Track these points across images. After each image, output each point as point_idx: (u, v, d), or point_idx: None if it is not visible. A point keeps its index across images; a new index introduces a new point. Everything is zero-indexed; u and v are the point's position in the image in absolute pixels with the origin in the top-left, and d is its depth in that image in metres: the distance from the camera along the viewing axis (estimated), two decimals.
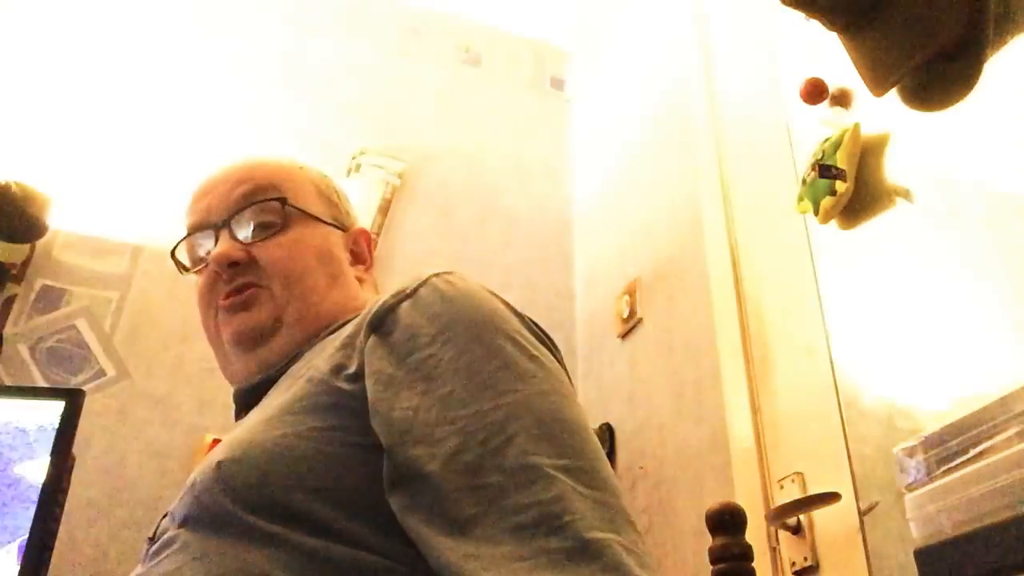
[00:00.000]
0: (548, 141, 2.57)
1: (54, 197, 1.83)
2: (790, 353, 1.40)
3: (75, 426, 1.20)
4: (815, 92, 1.34)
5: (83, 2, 2.16)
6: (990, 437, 0.93)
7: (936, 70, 1.13)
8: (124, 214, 1.97)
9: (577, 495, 0.51)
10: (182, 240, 0.89)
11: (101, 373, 1.81)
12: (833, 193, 1.25)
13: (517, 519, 0.50)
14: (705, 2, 1.96)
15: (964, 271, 1.10)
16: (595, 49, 2.60)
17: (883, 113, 1.23)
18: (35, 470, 1.09)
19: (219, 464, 0.59)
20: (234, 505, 0.57)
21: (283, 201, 0.83)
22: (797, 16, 1.28)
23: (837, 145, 1.26)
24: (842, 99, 1.33)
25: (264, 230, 0.82)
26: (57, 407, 1.15)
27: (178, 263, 0.90)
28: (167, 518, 0.65)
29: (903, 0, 1.11)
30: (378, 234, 2.17)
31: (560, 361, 0.66)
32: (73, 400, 1.17)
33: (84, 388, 1.73)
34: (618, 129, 2.30)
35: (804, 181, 1.32)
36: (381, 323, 0.62)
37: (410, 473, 0.54)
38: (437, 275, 0.66)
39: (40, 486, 1.07)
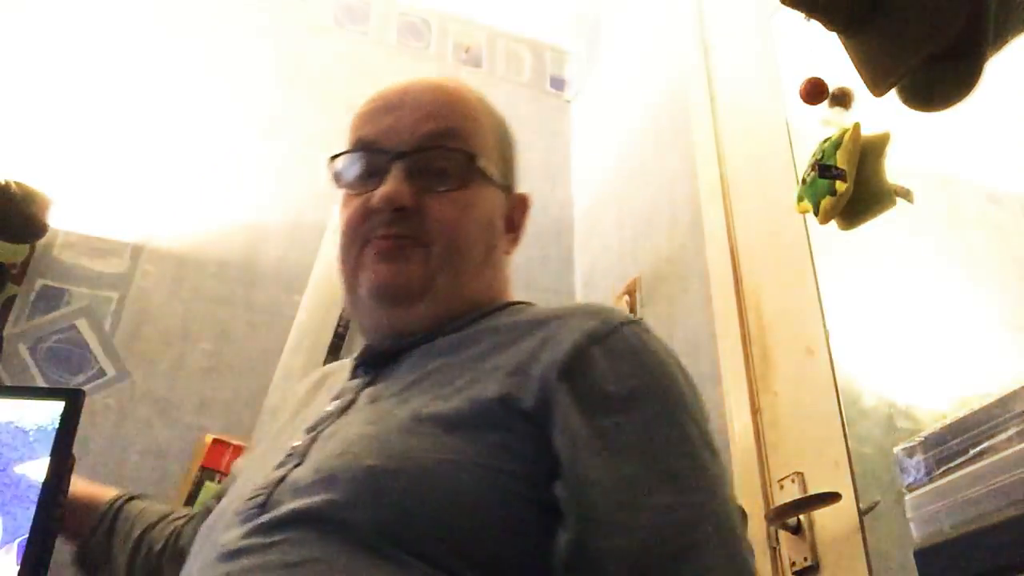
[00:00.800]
0: (548, 141, 2.57)
1: (54, 197, 1.83)
2: (790, 353, 1.40)
3: (75, 426, 1.19)
4: (815, 92, 1.34)
5: (83, 2, 2.16)
6: (990, 437, 0.93)
7: (936, 70, 1.12)
8: (124, 214, 1.98)
9: None
10: (349, 151, 0.77)
11: (101, 373, 1.81)
12: (833, 193, 1.25)
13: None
14: (705, 2, 1.96)
15: (964, 271, 1.10)
16: (595, 49, 2.60)
17: (883, 113, 1.23)
18: (35, 470, 1.09)
19: (372, 469, 0.55)
20: (374, 523, 0.53)
21: (472, 157, 0.75)
22: (797, 16, 1.28)
23: (837, 145, 1.26)
24: (842, 99, 1.33)
25: (441, 180, 0.73)
26: (57, 407, 1.14)
27: (333, 173, 0.79)
28: (284, 485, 0.59)
29: (903, 0, 1.11)
30: None
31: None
32: (73, 400, 1.17)
33: (84, 388, 1.73)
34: (618, 129, 2.30)
35: (804, 181, 1.32)
36: (571, 369, 0.59)
37: (589, 562, 0.52)
38: (627, 324, 0.63)
39: (40, 486, 1.07)
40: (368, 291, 0.72)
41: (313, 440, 0.64)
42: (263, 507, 0.58)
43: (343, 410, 0.67)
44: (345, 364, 0.80)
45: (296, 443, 0.65)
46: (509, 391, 0.59)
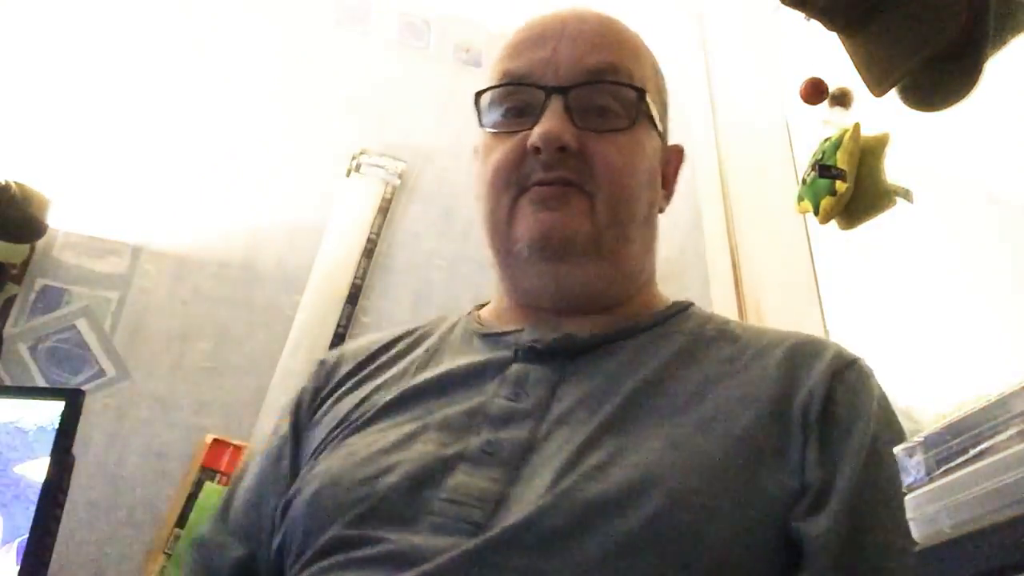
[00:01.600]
0: None
1: (54, 197, 1.83)
2: None
3: (75, 426, 1.20)
4: (815, 92, 1.34)
5: (83, 3, 2.16)
6: (990, 437, 0.92)
7: (936, 70, 1.12)
8: (124, 214, 1.98)
9: None
10: (499, 86, 0.71)
11: (101, 373, 1.81)
12: (833, 193, 1.25)
13: None
14: (705, 2, 1.96)
15: (964, 271, 1.10)
16: None
17: (883, 113, 1.23)
18: (35, 470, 1.09)
19: (670, 492, 0.51)
20: (657, 545, 0.49)
21: (642, 94, 0.67)
22: (797, 16, 1.28)
23: (837, 145, 1.26)
24: (842, 99, 1.33)
25: (605, 119, 0.66)
26: (57, 407, 1.15)
27: (477, 109, 0.72)
28: (515, 495, 0.53)
29: (903, 0, 1.10)
30: (378, 234, 2.17)
31: None
32: (73, 400, 1.17)
33: (84, 388, 1.73)
34: None
35: (804, 181, 1.32)
36: (826, 409, 0.59)
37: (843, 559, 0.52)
38: (859, 360, 0.64)
39: (40, 486, 1.07)
40: (529, 244, 0.64)
41: (527, 448, 0.57)
42: (479, 527, 0.52)
43: (545, 407, 0.59)
44: (435, 327, 0.72)
45: (483, 443, 0.58)
46: (775, 437, 0.57)
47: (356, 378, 0.71)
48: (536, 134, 0.64)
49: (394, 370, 0.69)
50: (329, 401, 0.70)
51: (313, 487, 0.60)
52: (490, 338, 0.68)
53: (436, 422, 0.60)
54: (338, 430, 0.65)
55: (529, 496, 0.53)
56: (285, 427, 0.72)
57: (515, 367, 0.63)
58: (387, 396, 0.66)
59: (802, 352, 0.62)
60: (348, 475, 0.58)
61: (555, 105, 0.65)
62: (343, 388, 0.70)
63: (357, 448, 0.61)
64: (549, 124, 0.63)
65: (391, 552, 0.52)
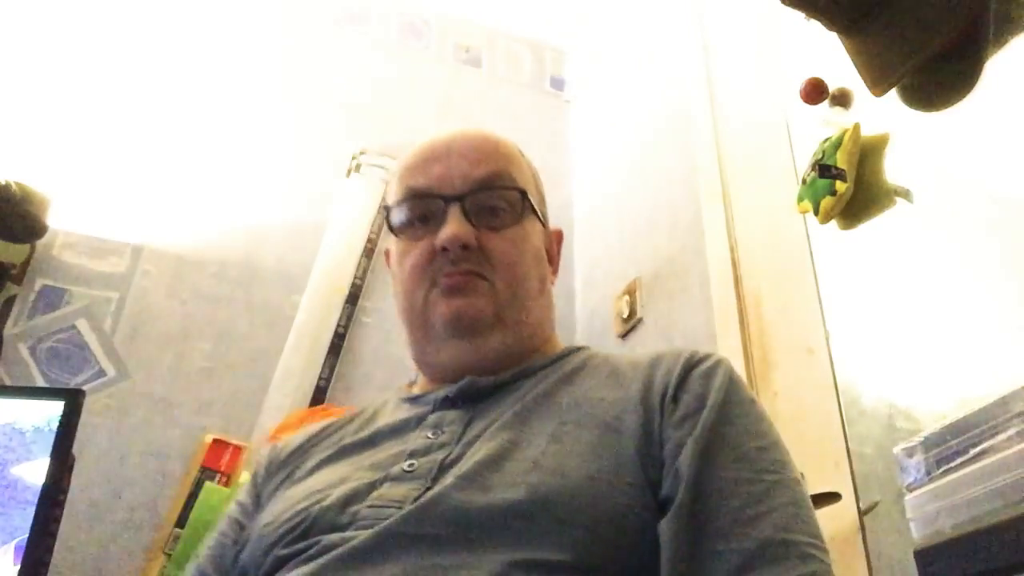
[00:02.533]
0: (548, 141, 2.57)
1: (54, 197, 1.83)
2: (790, 353, 1.40)
3: (75, 426, 1.20)
4: (815, 92, 1.34)
5: (83, 2, 2.16)
6: (990, 437, 0.93)
7: (936, 70, 1.12)
8: (124, 214, 1.98)
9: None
10: (405, 200, 0.82)
11: (101, 373, 1.81)
12: (833, 193, 1.25)
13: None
14: (705, 2, 1.96)
15: (964, 271, 1.10)
16: (595, 49, 2.60)
17: (883, 113, 1.23)
18: (33, 471, 1.09)
19: (551, 470, 0.62)
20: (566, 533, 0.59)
21: (524, 194, 0.81)
22: (797, 16, 1.28)
23: (837, 145, 1.26)
24: (842, 99, 1.33)
25: (496, 218, 0.79)
26: (57, 407, 1.15)
27: (388, 222, 0.84)
28: (427, 500, 0.63)
29: (903, 0, 1.10)
30: (378, 234, 2.17)
31: None
32: (73, 400, 1.17)
33: (84, 388, 1.73)
34: (618, 129, 2.30)
35: (804, 181, 1.32)
36: (677, 392, 0.68)
37: (673, 519, 0.60)
38: (712, 356, 0.73)
39: (39, 487, 1.07)
40: (443, 325, 0.76)
41: (443, 464, 0.67)
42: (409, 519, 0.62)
43: (459, 437, 0.71)
44: (373, 406, 0.85)
45: (404, 466, 0.69)
46: (641, 421, 0.66)
47: (301, 451, 0.82)
48: (442, 237, 0.76)
49: (333, 438, 0.81)
50: (279, 472, 0.81)
51: (258, 527, 0.71)
52: (413, 400, 0.80)
53: (365, 465, 0.72)
54: (283, 484, 0.77)
55: (437, 491, 0.64)
56: (243, 495, 0.83)
57: (433, 416, 0.75)
58: (324, 454, 0.78)
59: (664, 356, 0.73)
60: (287, 510, 0.69)
61: (455, 211, 0.77)
62: (290, 459, 0.82)
63: (295, 493, 0.72)
64: (452, 228, 0.76)
65: (324, 546, 0.62)
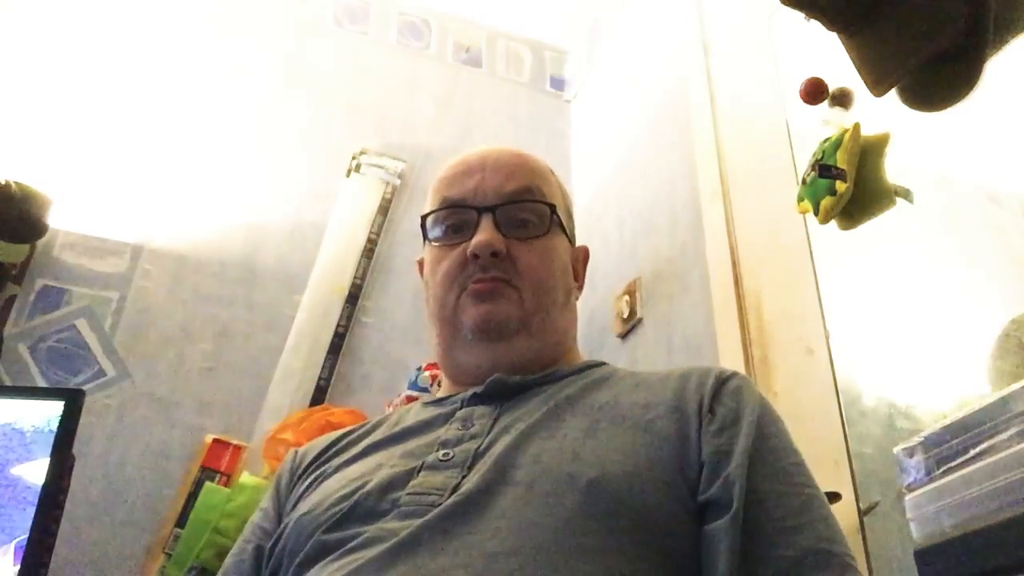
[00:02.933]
0: (548, 141, 2.57)
1: (54, 197, 1.83)
2: (790, 353, 1.40)
3: (75, 426, 1.20)
4: (815, 92, 1.34)
5: (84, 2, 2.16)
6: (990, 437, 0.93)
7: (936, 70, 1.12)
8: (124, 214, 1.98)
9: None
10: (440, 209, 0.86)
11: (101, 373, 1.81)
12: (833, 193, 1.25)
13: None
14: (705, 2, 1.96)
15: (964, 271, 1.10)
16: (595, 49, 2.60)
17: (883, 113, 1.23)
18: (33, 471, 1.09)
19: (591, 464, 0.65)
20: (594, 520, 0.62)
21: (553, 208, 0.86)
22: (797, 16, 1.28)
23: (837, 145, 1.26)
24: (842, 99, 1.33)
25: (525, 229, 0.83)
26: (57, 407, 1.15)
27: (424, 231, 0.88)
28: (462, 492, 0.65)
29: (903, 0, 1.10)
30: (378, 234, 2.18)
31: None
32: (73, 400, 1.17)
33: (84, 388, 1.74)
34: (618, 129, 2.30)
35: (804, 181, 1.32)
36: (712, 404, 0.71)
37: (727, 529, 0.62)
38: (736, 373, 0.76)
39: (39, 487, 1.07)
40: (471, 329, 0.80)
41: (476, 452, 0.70)
42: (436, 507, 0.64)
43: (489, 429, 0.73)
44: (396, 413, 0.87)
45: (440, 455, 0.71)
46: (677, 427, 0.69)
47: (327, 454, 0.84)
48: (474, 244, 0.80)
49: (359, 441, 0.83)
50: (305, 475, 0.83)
51: (295, 516, 0.73)
52: (439, 402, 0.83)
53: (398, 455, 0.74)
54: (315, 483, 0.78)
55: (477, 480, 0.66)
56: (266, 501, 0.84)
57: (462, 411, 0.77)
58: (352, 452, 0.80)
59: (693, 371, 0.76)
60: (326, 500, 0.71)
61: (486, 221, 0.81)
62: (317, 462, 0.83)
63: (331, 484, 0.74)
64: (483, 235, 0.80)
65: (367, 538, 0.63)
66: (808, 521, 0.64)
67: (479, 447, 0.70)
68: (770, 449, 0.69)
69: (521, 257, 0.81)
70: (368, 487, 0.69)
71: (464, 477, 0.66)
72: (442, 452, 0.71)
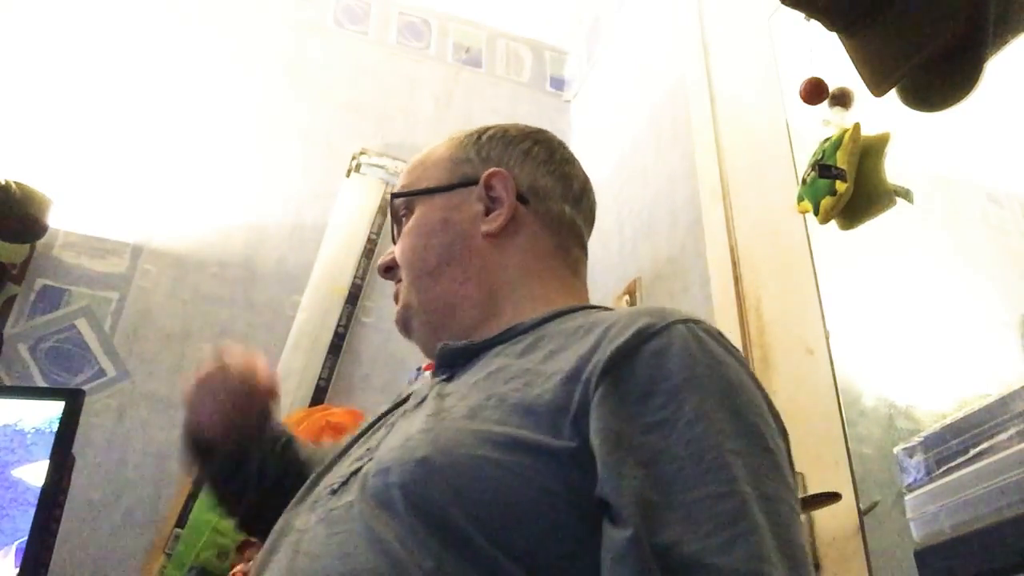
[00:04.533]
0: None
1: (54, 197, 1.83)
2: (790, 353, 1.40)
3: (75, 426, 1.20)
4: (815, 92, 1.34)
5: (83, 3, 2.16)
6: (990, 437, 0.93)
7: (936, 70, 1.12)
8: (124, 214, 1.98)
9: None
10: None
11: (101, 373, 1.81)
12: (833, 193, 1.25)
13: None
14: (705, 2, 1.96)
15: (964, 271, 1.10)
16: (595, 49, 2.60)
17: (883, 113, 1.23)
18: (34, 471, 1.09)
19: (422, 462, 0.57)
20: (411, 508, 0.55)
21: (399, 195, 0.83)
22: (797, 16, 1.28)
23: (837, 145, 1.26)
24: (842, 99, 1.33)
25: (400, 227, 0.83)
26: (57, 407, 1.15)
27: None
28: (349, 466, 0.66)
29: (903, 0, 1.10)
30: (378, 234, 2.17)
31: (787, 440, 0.62)
32: (73, 400, 1.17)
33: (84, 388, 1.73)
34: (618, 129, 2.30)
35: (804, 181, 1.32)
36: (617, 366, 0.57)
37: (626, 552, 0.50)
38: (684, 321, 0.61)
39: (39, 487, 1.07)
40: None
41: (384, 436, 0.69)
42: (335, 493, 0.64)
43: (416, 407, 0.71)
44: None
45: (374, 441, 0.70)
46: (560, 398, 0.58)
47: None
48: None
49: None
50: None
51: None
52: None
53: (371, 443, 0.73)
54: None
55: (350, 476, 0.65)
56: None
57: (423, 386, 0.76)
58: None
59: (619, 320, 0.63)
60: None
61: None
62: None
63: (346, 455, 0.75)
64: (380, 259, 0.85)
65: (279, 527, 0.67)
66: (740, 534, 0.50)
67: (389, 430, 0.69)
68: (693, 438, 0.54)
69: (397, 251, 0.82)
70: (323, 470, 0.71)
71: (355, 472, 0.64)
72: (375, 440, 0.71)
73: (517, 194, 0.80)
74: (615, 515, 0.52)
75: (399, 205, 0.83)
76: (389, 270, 0.82)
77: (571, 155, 0.88)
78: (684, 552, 0.49)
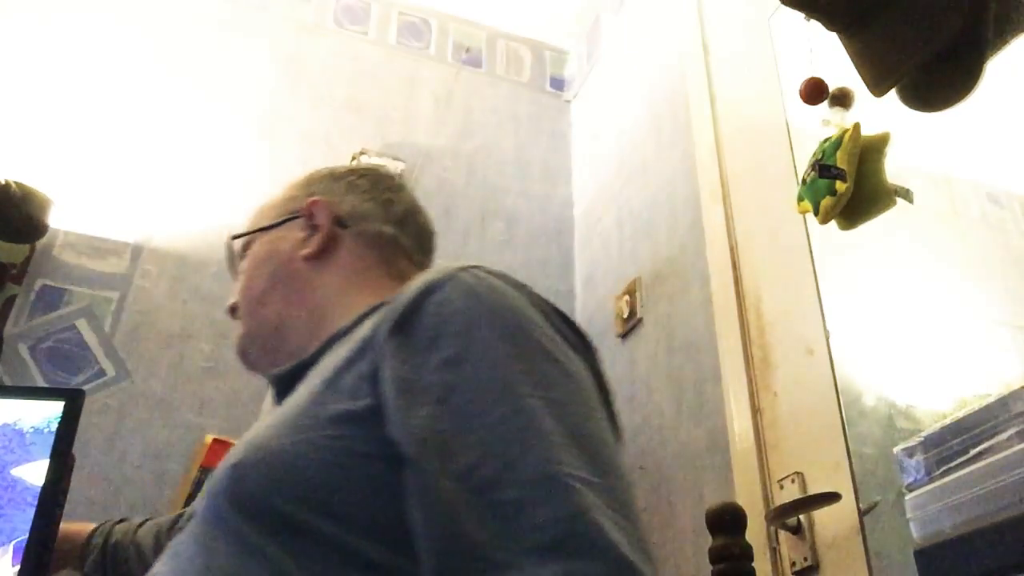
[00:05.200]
0: (548, 141, 2.57)
1: (54, 197, 1.83)
2: (790, 353, 1.40)
3: (75, 426, 1.19)
4: (815, 92, 1.34)
5: (83, 3, 2.16)
6: (990, 437, 0.93)
7: (936, 70, 1.12)
8: (124, 214, 1.98)
9: (599, 511, 0.48)
10: None
11: (101, 373, 1.81)
12: (833, 193, 1.25)
13: (537, 538, 0.47)
14: (705, 2, 1.96)
15: (964, 271, 1.10)
16: (595, 49, 2.60)
17: (883, 113, 1.23)
18: (33, 471, 1.09)
19: (234, 467, 0.59)
20: (239, 514, 0.56)
21: (236, 236, 0.91)
22: (797, 16, 1.28)
23: (837, 145, 1.26)
24: (842, 99, 1.33)
25: (238, 267, 0.90)
26: (57, 407, 1.14)
27: None
28: (198, 499, 0.68)
29: (903, 0, 1.10)
30: None
31: (591, 355, 0.64)
32: (73, 400, 1.17)
33: (84, 388, 1.73)
34: (618, 129, 2.30)
35: (804, 181, 1.32)
36: (405, 322, 0.59)
37: (426, 489, 0.52)
38: (464, 269, 0.63)
39: (39, 487, 1.07)
40: None
41: None
42: (180, 529, 0.69)
43: None
44: None
45: None
46: (357, 366, 0.61)
47: None
48: None
49: None
50: None
51: None
52: None
53: None
54: None
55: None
56: None
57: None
58: None
59: (411, 286, 0.64)
60: None
61: None
62: None
63: None
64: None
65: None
66: (531, 445, 0.51)
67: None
68: (482, 368, 0.55)
69: (236, 291, 0.88)
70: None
71: None
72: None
73: (337, 219, 0.86)
74: (408, 454, 0.53)
75: (237, 248, 0.90)
76: (234, 310, 0.88)
77: (399, 187, 0.94)
78: (483, 474, 0.50)
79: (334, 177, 0.93)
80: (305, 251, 0.85)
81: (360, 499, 0.55)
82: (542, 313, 0.62)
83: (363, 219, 0.88)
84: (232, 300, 0.89)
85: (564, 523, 0.47)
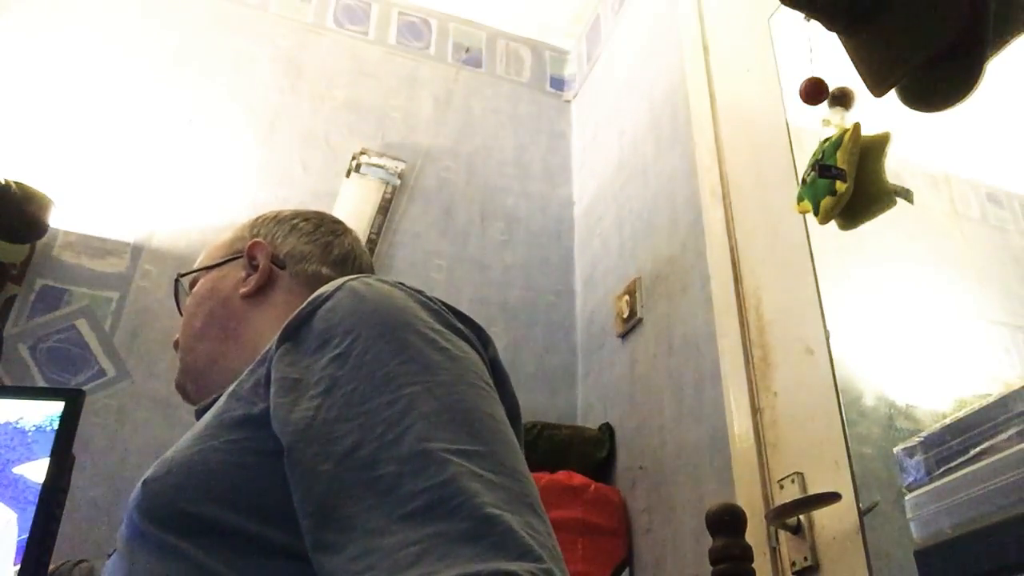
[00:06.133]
0: (548, 141, 2.57)
1: (54, 197, 1.83)
2: (790, 353, 1.40)
3: (75, 426, 1.19)
4: (815, 92, 1.34)
5: (83, 3, 2.16)
6: (990, 437, 0.93)
7: (936, 70, 1.12)
8: (124, 214, 1.98)
9: (472, 476, 0.50)
10: None
11: (101, 373, 1.81)
12: (833, 193, 1.25)
13: (409, 506, 0.49)
14: (705, 2, 1.96)
15: (964, 271, 1.10)
16: (595, 49, 2.60)
17: (883, 113, 1.23)
18: (34, 471, 1.09)
19: (144, 483, 0.63)
20: (152, 523, 0.60)
21: (183, 274, 0.95)
22: (797, 16, 1.28)
23: (837, 145, 1.26)
24: (842, 99, 1.33)
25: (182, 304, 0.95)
26: (57, 407, 1.14)
27: None
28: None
29: (903, 0, 1.10)
30: (378, 234, 2.17)
31: (487, 345, 0.67)
32: (73, 400, 1.17)
33: (84, 388, 1.73)
34: (618, 129, 2.30)
35: (804, 181, 1.32)
36: (296, 330, 0.63)
37: (304, 473, 0.54)
38: (355, 279, 0.66)
39: (39, 487, 1.07)
40: None
41: None
42: (109, 556, 0.70)
43: None
44: None
45: None
46: (255, 377, 0.64)
47: None
48: None
49: None
50: None
51: None
52: None
53: None
54: None
55: None
56: None
57: None
58: None
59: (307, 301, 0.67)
60: None
61: None
62: None
63: None
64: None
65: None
66: (407, 426, 0.52)
67: None
68: (366, 361, 0.57)
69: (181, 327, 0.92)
70: None
71: None
72: None
73: (275, 260, 0.91)
74: (287, 443, 0.56)
75: (185, 285, 0.95)
76: (177, 346, 0.92)
77: (341, 231, 0.97)
78: (361, 455, 0.52)
79: (278, 220, 0.97)
80: (244, 289, 0.89)
81: (260, 491, 0.58)
82: (430, 311, 0.65)
83: (301, 260, 0.92)
84: (176, 336, 0.93)
85: (435, 490, 0.49)
